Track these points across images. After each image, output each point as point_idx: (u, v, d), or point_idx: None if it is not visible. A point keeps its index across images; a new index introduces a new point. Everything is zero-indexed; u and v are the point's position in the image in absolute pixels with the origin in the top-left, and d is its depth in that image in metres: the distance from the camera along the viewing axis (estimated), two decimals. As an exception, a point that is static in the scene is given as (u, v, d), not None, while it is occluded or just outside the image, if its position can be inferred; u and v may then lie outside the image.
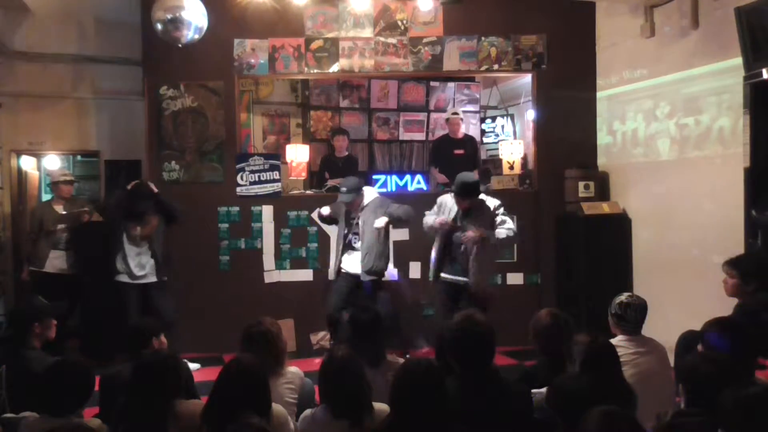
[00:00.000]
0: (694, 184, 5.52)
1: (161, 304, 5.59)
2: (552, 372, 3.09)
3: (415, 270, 6.40)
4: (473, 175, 5.35)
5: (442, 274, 5.24)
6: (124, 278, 5.63)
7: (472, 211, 5.11)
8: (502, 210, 5.14)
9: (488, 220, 5.10)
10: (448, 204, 5.24)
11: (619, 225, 6.29)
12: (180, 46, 5.65)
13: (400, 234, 6.30)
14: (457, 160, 7.24)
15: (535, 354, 3.50)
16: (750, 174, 4.85)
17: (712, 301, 4.29)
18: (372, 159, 8.77)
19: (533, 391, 2.96)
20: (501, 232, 5.05)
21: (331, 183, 6.92)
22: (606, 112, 6.67)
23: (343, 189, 5.61)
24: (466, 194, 5.06)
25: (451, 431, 2.52)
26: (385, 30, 6.69)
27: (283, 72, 6.75)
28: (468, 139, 7.57)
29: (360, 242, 5.65)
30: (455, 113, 7.55)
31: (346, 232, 5.72)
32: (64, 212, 6.40)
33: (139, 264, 5.63)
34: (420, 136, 8.91)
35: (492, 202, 5.18)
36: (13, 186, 7.25)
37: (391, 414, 2.59)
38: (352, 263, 5.67)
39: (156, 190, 5.74)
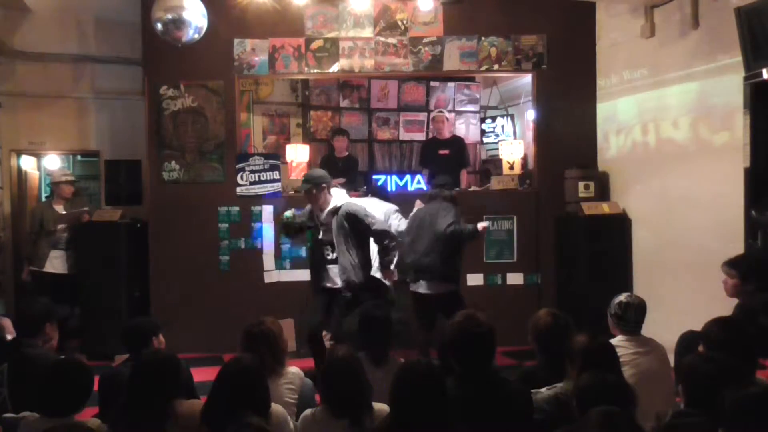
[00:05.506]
0: (694, 184, 5.51)
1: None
2: (552, 372, 3.08)
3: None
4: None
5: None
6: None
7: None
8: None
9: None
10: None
11: (619, 225, 6.29)
12: (180, 46, 5.64)
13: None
14: (443, 160, 7.17)
15: (535, 354, 3.50)
16: (750, 174, 4.85)
17: (712, 301, 4.29)
18: (372, 159, 8.76)
19: (533, 391, 2.96)
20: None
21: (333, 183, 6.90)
22: (606, 112, 6.66)
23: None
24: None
25: (451, 431, 2.52)
26: (385, 30, 6.69)
27: (283, 72, 6.75)
28: (455, 140, 7.56)
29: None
30: (440, 111, 7.52)
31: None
32: (64, 212, 6.40)
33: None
34: (420, 136, 8.90)
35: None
36: (13, 186, 7.25)
37: (391, 414, 2.59)
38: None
39: None
